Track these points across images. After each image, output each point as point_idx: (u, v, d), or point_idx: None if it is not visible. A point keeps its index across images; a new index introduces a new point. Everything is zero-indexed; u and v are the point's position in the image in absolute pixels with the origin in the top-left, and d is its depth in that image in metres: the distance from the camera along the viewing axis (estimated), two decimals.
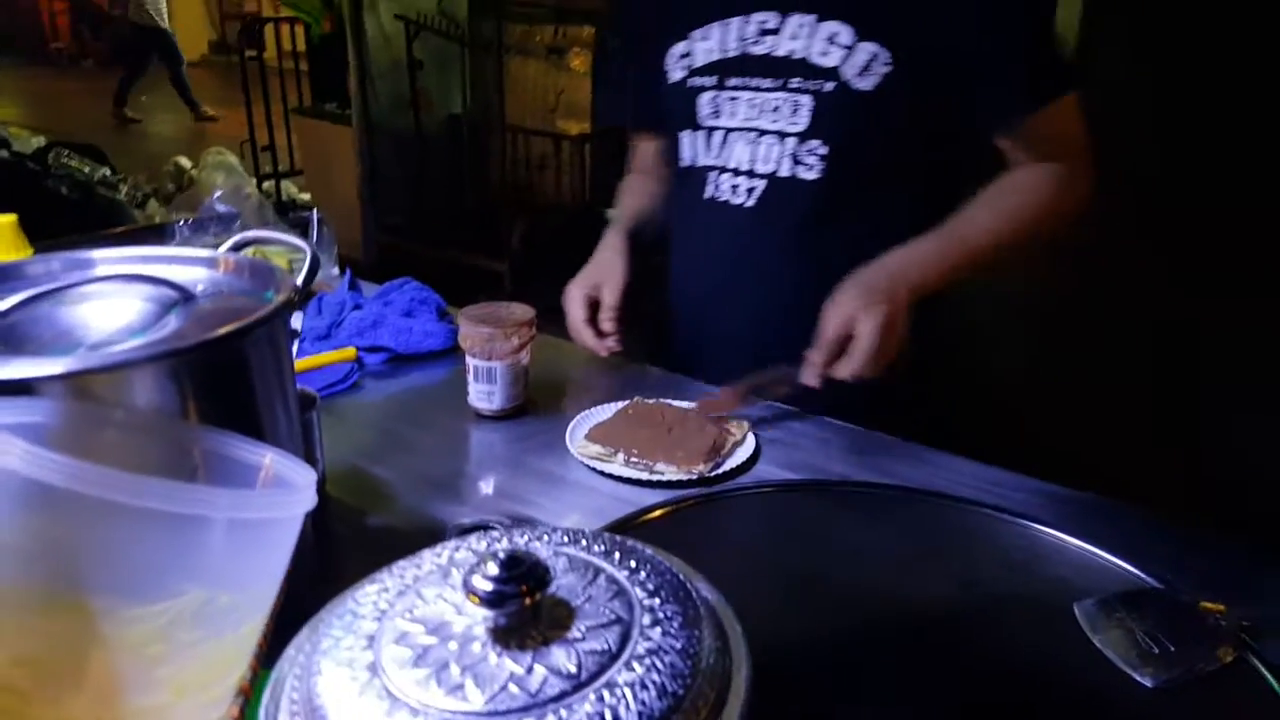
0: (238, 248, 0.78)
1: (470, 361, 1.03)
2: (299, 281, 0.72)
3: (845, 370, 0.98)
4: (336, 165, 4.57)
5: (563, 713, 0.34)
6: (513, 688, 0.35)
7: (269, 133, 4.96)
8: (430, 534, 0.80)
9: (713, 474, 0.92)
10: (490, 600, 0.37)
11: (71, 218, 3.23)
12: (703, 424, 0.99)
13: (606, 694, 0.35)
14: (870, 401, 1.01)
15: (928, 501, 0.84)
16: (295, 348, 1.20)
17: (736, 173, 1.16)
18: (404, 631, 0.38)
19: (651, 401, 1.05)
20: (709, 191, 1.18)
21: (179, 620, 0.44)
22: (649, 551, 0.45)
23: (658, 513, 0.82)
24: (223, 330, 0.60)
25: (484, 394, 1.04)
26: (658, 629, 0.38)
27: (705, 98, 1.17)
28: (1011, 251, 1.10)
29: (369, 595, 0.41)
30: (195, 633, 0.45)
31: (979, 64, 1.05)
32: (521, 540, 0.45)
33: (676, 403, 1.05)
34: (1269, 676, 0.62)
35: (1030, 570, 0.74)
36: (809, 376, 0.99)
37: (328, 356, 1.15)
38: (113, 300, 0.67)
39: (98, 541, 0.44)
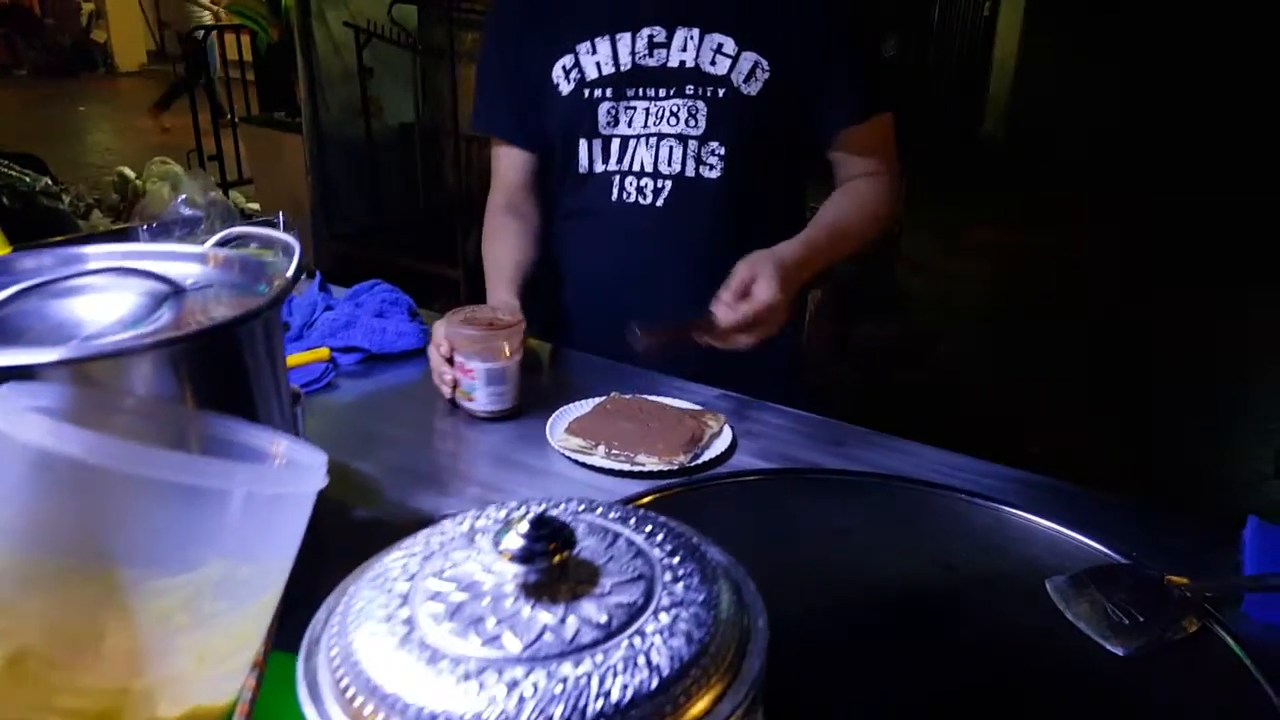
0: (223, 244, 0.79)
1: (476, 365, 1.03)
2: (288, 274, 0.73)
3: (735, 314, 1.04)
4: (287, 174, 4.52)
5: (599, 657, 0.36)
6: (548, 636, 0.37)
7: (216, 142, 4.89)
8: (418, 525, 0.80)
9: (692, 464, 0.94)
10: (521, 557, 0.39)
11: (14, 228, 3.14)
12: (681, 417, 1.01)
13: (638, 640, 0.37)
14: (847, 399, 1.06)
15: (902, 487, 0.87)
16: None
17: (641, 175, 1.23)
18: (436, 590, 0.40)
19: (628, 396, 1.07)
20: (615, 194, 1.25)
21: (202, 591, 0.45)
22: (662, 518, 0.47)
23: (643, 501, 0.84)
24: (228, 316, 0.61)
25: (496, 395, 1.04)
26: (679, 584, 0.41)
27: (604, 108, 1.22)
28: (850, 254, 1.26)
29: (397, 560, 0.43)
30: (217, 604, 0.46)
31: (824, 78, 1.19)
32: (538, 509, 0.47)
33: (653, 398, 1.07)
34: (1231, 643, 0.66)
35: (1003, 551, 0.78)
36: (720, 313, 1.05)
37: (302, 357, 1.15)
38: (105, 294, 0.67)
39: (122, 515, 0.44)
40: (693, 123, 1.19)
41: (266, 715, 0.52)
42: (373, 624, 0.39)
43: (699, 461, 0.95)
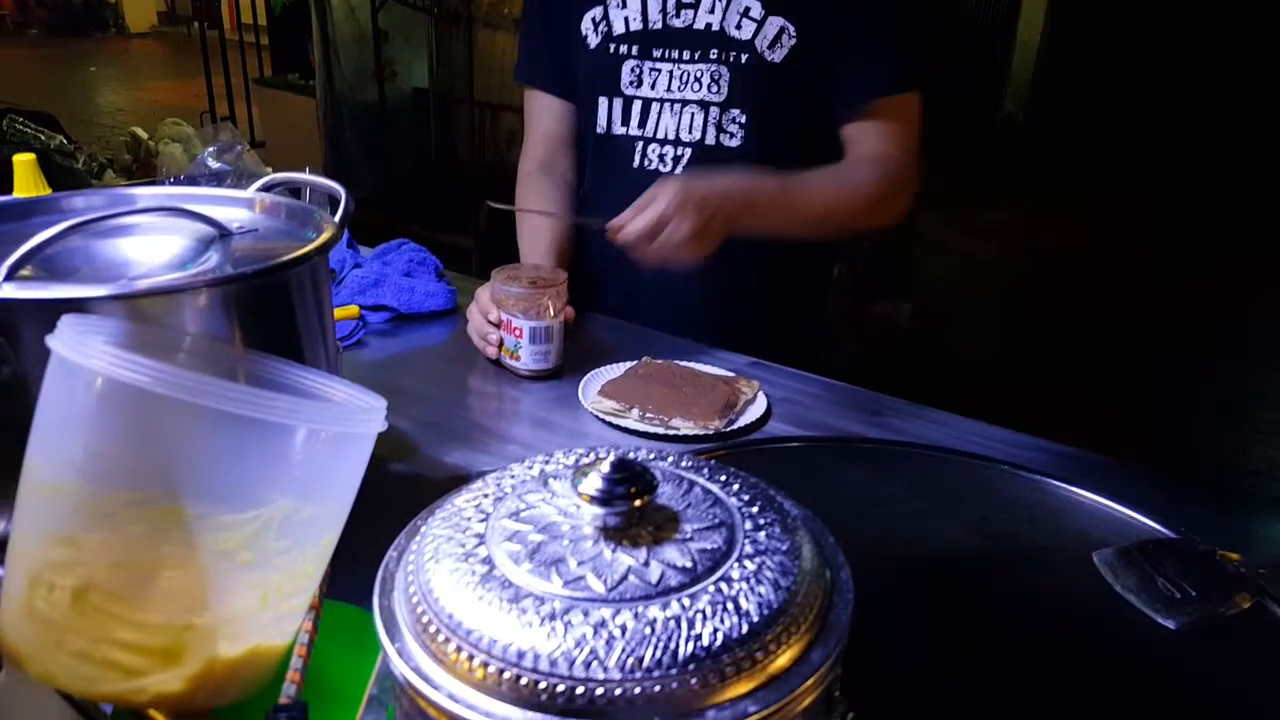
0: (268, 189, 0.78)
1: (522, 323, 1.02)
2: (336, 219, 0.72)
3: (635, 228, 1.03)
4: (299, 137, 4.50)
5: (686, 601, 0.35)
6: (633, 579, 0.36)
7: (229, 104, 4.85)
8: (455, 480, 0.81)
9: (727, 429, 0.93)
10: (601, 499, 0.38)
11: None
12: (714, 382, 1.00)
13: (725, 586, 0.36)
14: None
15: (943, 457, 0.86)
16: None
17: (664, 143, 1.21)
18: (514, 530, 0.39)
19: (660, 361, 1.06)
20: (636, 161, 1.23)
21: (266, 529, 0.45)
22: (734, 469, 0.46)
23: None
24: (281, 258, 0.60)
25: (540, 354, 1.03)
26: (761, 533, 0.40)
27: (628, 66, 1.20)
28: (830, 226, 1.21)
29: (469, 500, 0.42)
30: (281, 542, 0.45)
31: (851, 48, 1.13)
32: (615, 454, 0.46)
33: (685, 363, 1.06)
34: None
35: (1047, 522, 0.77)
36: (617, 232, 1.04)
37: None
38: (154, 236, 0.67)
39: (188, 448, 0.43)
40: (715, 89, 1.16)
41: (316, 661, 0.51)
42: (451, 562, 0.38)
43: (734, 427, 0.94)
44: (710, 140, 1.18)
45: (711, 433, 0.92)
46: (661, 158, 1.21)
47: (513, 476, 0.44)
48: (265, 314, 0.62)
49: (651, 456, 0.46)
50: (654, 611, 0.35)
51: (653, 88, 1.19)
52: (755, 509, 0.41)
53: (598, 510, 0.38)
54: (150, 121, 4.82)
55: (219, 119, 4.81)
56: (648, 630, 0.34)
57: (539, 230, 1.27)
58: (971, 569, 0.73)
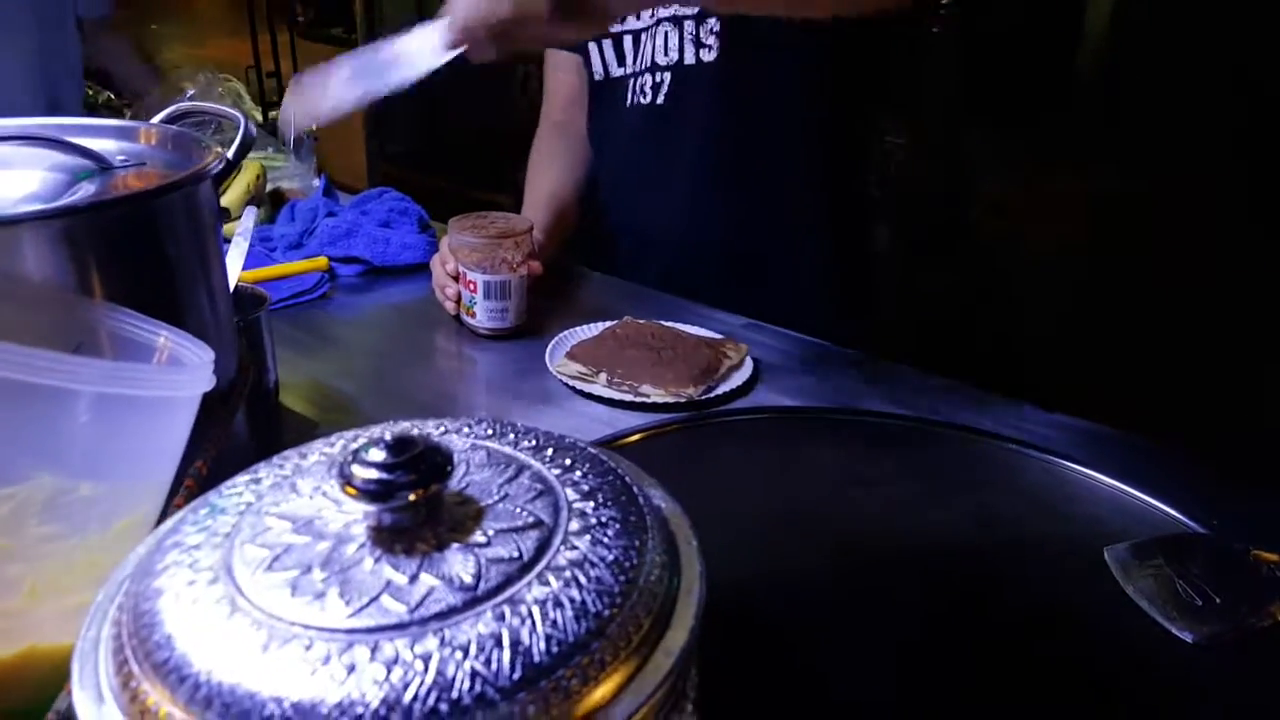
0: (171, 120, 0.70)
1: (476, 277, 0.93)
2: (230, 154, 0.63)
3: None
4: None
5: (446, 633, 0.26)
6: (387, 600, 0.27)
7: (274, 58, 4.83)
8: None
9: (704, 398, 0.84)
10: (372, 493, 0.29)
11: None
12: (698, 345, 0.90)
13: (507, 611, 0.27)
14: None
15: (943, 434, 0.75)
16: (244, 246, 1.12)
17: (641, 72, 1.10)
18: (266, 528, 0.31)
19: (641, 321, 0.97)
20: (628, 100, 1.12)
21: (25, 509, 0.37)
22: (592, 450, 0.36)
23: (636, 436, 0.74)
24: (127, 191, 0.52)
25: (497, 312, 0.95)
26: (586, 537, 0.30)
27: None
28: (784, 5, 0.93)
29: (236, 488, 0.34)
30: (48, 527, 0.38)
31: None
32: (435, 430, 0.37)
33: (671, 324, 0.96)
34: None
35: (1057, 510, 0.66)
36: None
37: (296, 265, 1.06)
38: (15, 168, 0.59)
39: None
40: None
41: None
42: (177, 569, 0.29)
43: (712, 395, 0.84)
44: (690, 59, 1.06)
45: (684, 400, 0.83)
46: (642, 89, 1.10)
47: (303, 457, 0.35)
48: (123, 257, 0.54)
49: (490, 432, 0.37)
50: (397, 647, 0.26)
51: (638, 16, 1.08)
52: (592, 504, 0.32)
53: (369, 507, 0.30)
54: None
55: (265, 74, 4.80)
56: (379, 674, 0.25)
57: (539, 183, 1.19)
58: (960, 565, 0.62)
